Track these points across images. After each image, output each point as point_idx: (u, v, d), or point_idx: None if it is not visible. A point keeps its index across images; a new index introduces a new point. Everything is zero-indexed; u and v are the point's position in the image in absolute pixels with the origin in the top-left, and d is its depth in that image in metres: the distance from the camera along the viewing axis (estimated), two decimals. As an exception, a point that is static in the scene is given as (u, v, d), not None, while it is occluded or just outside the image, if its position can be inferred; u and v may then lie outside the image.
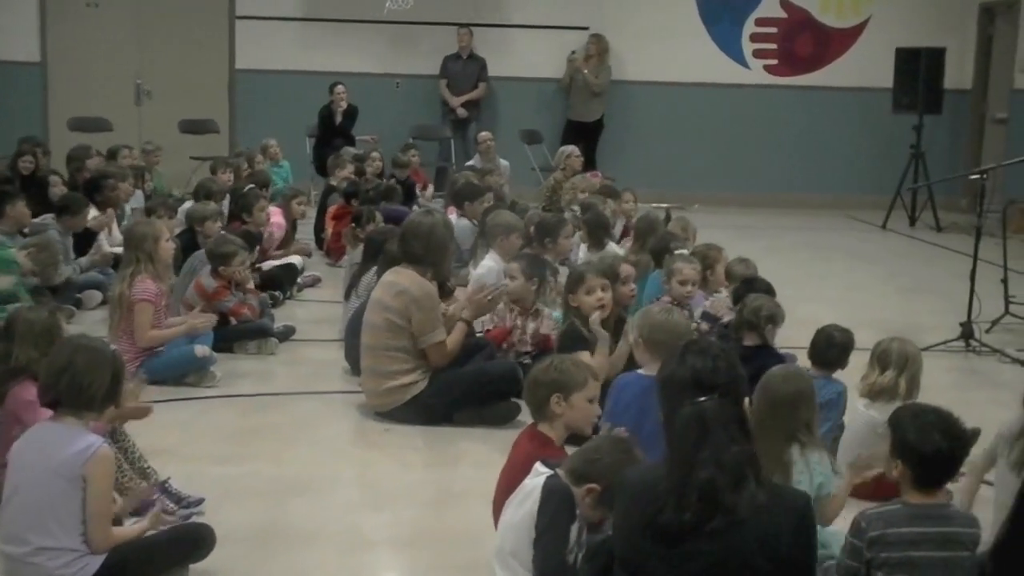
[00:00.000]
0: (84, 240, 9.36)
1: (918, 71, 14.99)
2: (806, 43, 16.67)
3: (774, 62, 16.68)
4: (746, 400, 3.36)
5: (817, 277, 11.34)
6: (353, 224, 9.21)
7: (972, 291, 8.13)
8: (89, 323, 8.03)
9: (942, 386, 6.72)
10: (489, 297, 6.61)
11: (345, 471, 5.77)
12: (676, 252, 7.37)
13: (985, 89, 16.63)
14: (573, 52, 16.03)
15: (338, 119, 14.94)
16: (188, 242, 8.60)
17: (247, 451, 5.89)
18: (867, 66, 16.28)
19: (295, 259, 10.01)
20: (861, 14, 16.67)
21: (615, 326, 6.30)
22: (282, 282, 9.22)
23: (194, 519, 4.81)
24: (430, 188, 13.88)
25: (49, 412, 4.15)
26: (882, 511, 3.68)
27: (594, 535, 3.91)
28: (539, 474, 3.93)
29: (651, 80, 16.40)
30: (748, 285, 6.69)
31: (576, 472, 3.87)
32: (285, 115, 15.38)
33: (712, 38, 16.51)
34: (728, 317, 6.63)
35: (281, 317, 8.47)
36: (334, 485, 5.53)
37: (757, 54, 16.65)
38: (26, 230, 8.87)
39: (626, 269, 6.95)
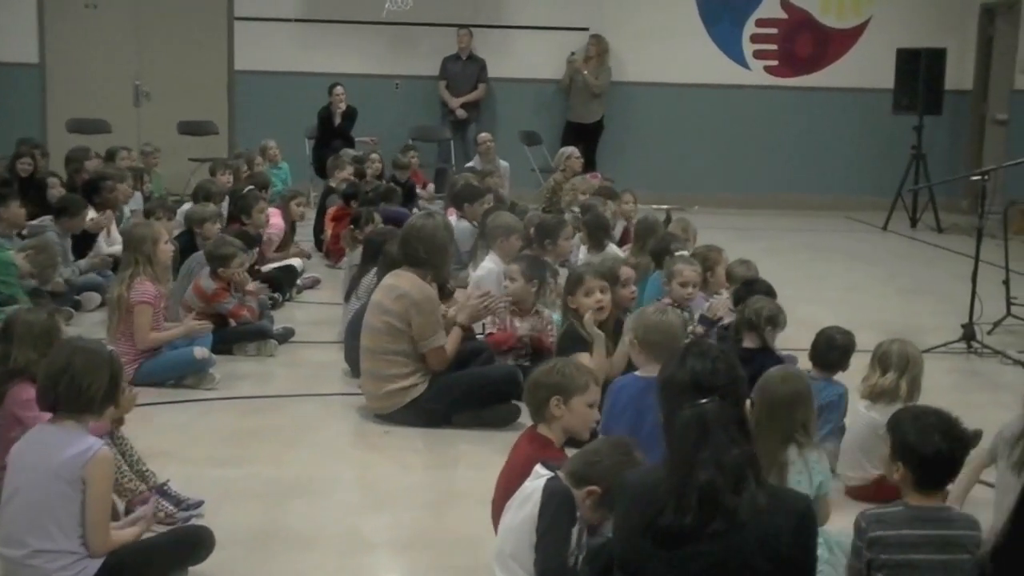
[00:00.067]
0: (83, 242, 9.36)
1: (918, 72, 14.98)
2: (806, 44, 16.65)
3: (774, 63, 16.66)
4: (747, 402, 3.35)
5: (817, 278, 11.32)
6: (352, 226, 9.20)
7: (973, 292, 8.12)
8: (88, 325, 8.02)
9: (943, 388, 6.73)
10: (485, 304, 6.60)
11: (345, 473, 5.76)
12: (677, 254, 7.35)
13: (986, 90, 16.61)
14: (573, 53, 16.01)
15: (337, 120, 14.92)
16: (187, 244, 8.59)
17: (246, 453, 5.88)
18: (867, 67, 16.27)
19: (295, 261, 10.00)
20: (861, 15, 16.65)
21: (615, 328, 6.28)
22: (281, 284, 9.21)
23: (193, 521, 4.81)
24: (430, 187, 13.88)
25: (48, 413, 4.14)
26: (882, 512, 3.68)
27: (594, 537, 3.90)
28: (539, 476, 3.92)
29: (651, 81, 16.38)
30: (749, 287, 6.68)
31: (576, 474, 3.86)
32: (284, 116, 15.37)
33: (712, 39, 16.49)
34: (729, 319, 6.62)
35: (280, 319, 8.46)
36: (333, 487, 5.52)
37: (757, 55, 16.63)
38: (24, 232, 8.86)
39: (626, 271, 6.93)
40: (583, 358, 5.73)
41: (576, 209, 9.90)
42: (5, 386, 4.69)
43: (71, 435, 4.00)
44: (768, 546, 3.09)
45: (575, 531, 3.82)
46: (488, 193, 10.43)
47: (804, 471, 4.31)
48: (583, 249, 8.75)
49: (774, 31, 16.62)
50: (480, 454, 5.85)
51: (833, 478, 5.10)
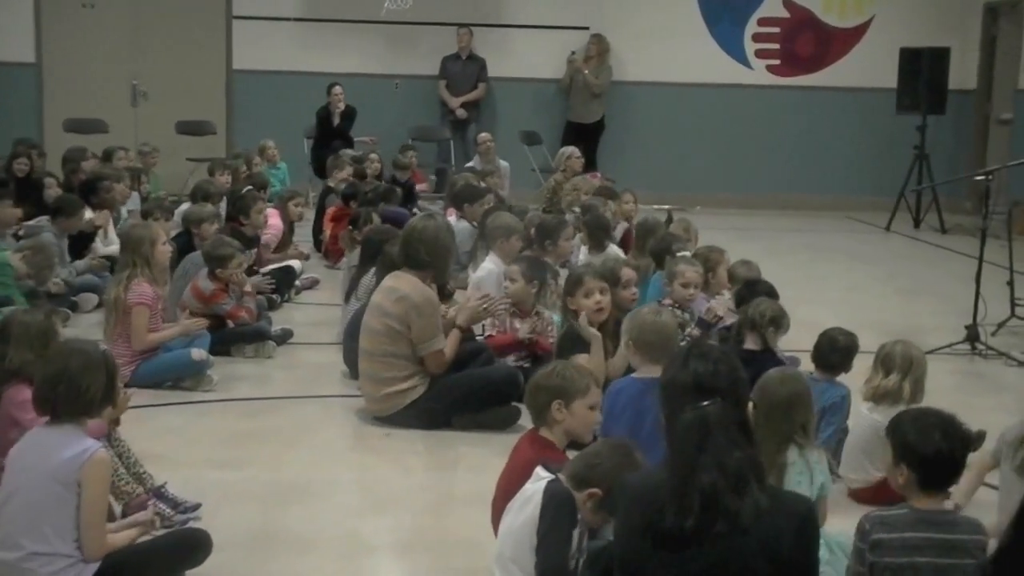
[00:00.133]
0: (80, 243, 9.33)
1: (921, 71, 14.97)
2: (809, 43, 16.63)
3: (776, 62, 16.63)
4: (750, 404, 3.36)
5: (819, 279, 11.30)
6: (350, 227, 9.17)
7: (977, 293, 8.09)
8: (85, 326, 8.02)
9: (946, 389, 6.71)
10: (484, 306, 6.58)
11: (344, 475, 5.74)
12: (678, 254, 7.32)
13: (989, 89, 16.58)
14: (573, 52, 16.00)
15: (336, 120, 14.90)
16: (184, 245, 8.54)
17: (244, 455, 5.86)
18: (870, 66, 16.24)
19: (294, 263, 9.96)
20: (864, 14, 16.63)
21: (615, 330, 6.25)
22: (280, 285, 9.17)
23: (191, 524, 4.78)
24: (425, 184, 13.84)
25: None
26: (886, 515, 3.66)
27: (595, 540, 3.89)
28: (540, 479, 3.91)
29: (652, 80, 16.36)
30: (751, 288, 6.67)
31: (577, 476, 3.85)
32: (283, 116, 15.35)
33: (714, 38, 16.47)
34: (730, 320, 6.59)
35: (279, 320, 8.44)
36: (333, 490, 5.50)
37: (759, 54, 16.61)
38: (21, 232, 8.83)
39: (627, 273, 6.92)
40: (582, 359, 5.71)
41: (577, 210, 9.87)
42: (1, 388, 4.69)
43: (69, 437, 3.99)
44: (769, 549, 3.09)
45: (576, 534, 3.81)
46: (489, 193, 10.42)
47: (805, 471, 4.30)
48: (584, 250, 8.72)
49: (776, 30, 16.59)
50: (480, 456, 5.82)
51: (835, 480, 5.10)
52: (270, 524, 4.99)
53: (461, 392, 6.28)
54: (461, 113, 15.82)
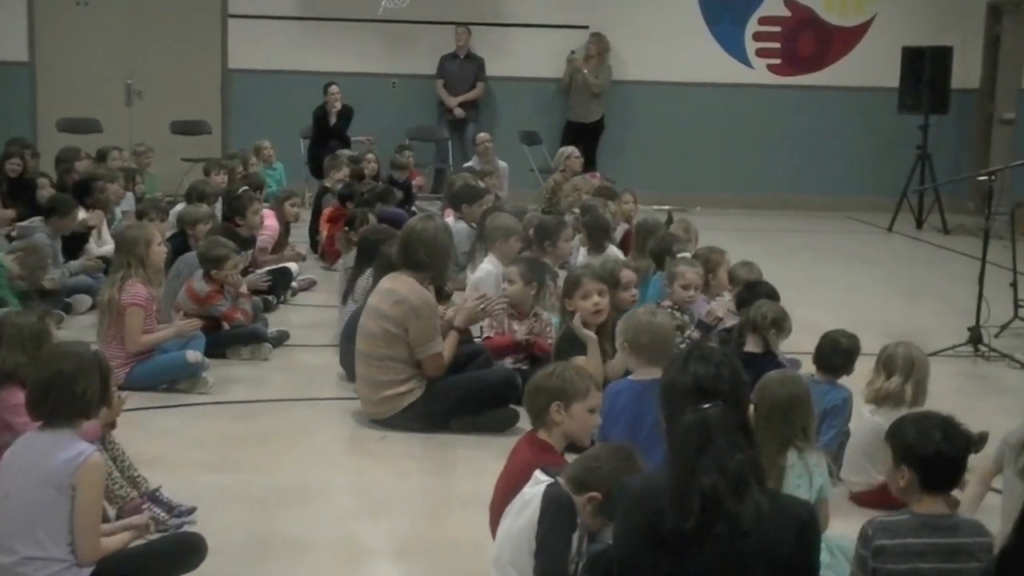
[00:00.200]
0: (73, 243, 9.29)
1: (923, 71, 14.94)
2: (810, 42, 16.61)
3: (777, 61, 16.61)
4: (751, 407, 3.33)
5: (820, 280, 11.28)
6: (347, 228, 9.14)
7: (980, 295, 8.08)
8: (78, 328, 8.00)
9: (949, 391, 6.70)
10: (482, 307, 6.55)
11: (340, 479, 5.73)
12: (678, 255, 7.29)
13: (992, 89, 16.56)
14: (573, 52, 15.98)
15: (332, 120, 14.86)
16: (179, 245, 8.52)
17: (240, 459, 5.85)
18: (872, 65, 16.21)
19: (291, 265, 9.92)
20: (866, 13, 16.60)
21: (614, 332, 6.21)
22: (276, 286, 9.12)
23: (186, 528, 4.79)
24: (420, 177, 13.82)
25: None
26: (889, 521, 3.64)
27: (594, 544, 3.88)
28: (539, 482, 3.89)
29: (652, 80, 16.34)
30: (752, 289, 6.66)
31: (577, 480, 3.84)
32: (279, 116, 15.31)
33: (714, 37, 16.44)
34: (731, 322, 6.56)
35: (275, 322, 8.42)
36: (329, 493, 5.48)
37: (760, 53, 16.58)
38: (14, 233, 8.79)
39: (627, 274, 6.92)
40: (580, 361, 5.68)
41: (576, 210, 9.84)
42: (-6, 390, 4.69)
43: (63, 440, 3.97)
44: (769, 551, 3.08)
45: (575, 537, 3.79)
46: (487, 194, 10.39)
47: (804, 474, 4.31)
48: (583, 251, 8.68)
49: (777, 29, 16.57)
50: (478, 459, 5.80)
51: (836, 483, 5.07)
52: (266, 528, 4.97)
53: (459, 395, 6.26)
54: (459, 113, 15.80)
